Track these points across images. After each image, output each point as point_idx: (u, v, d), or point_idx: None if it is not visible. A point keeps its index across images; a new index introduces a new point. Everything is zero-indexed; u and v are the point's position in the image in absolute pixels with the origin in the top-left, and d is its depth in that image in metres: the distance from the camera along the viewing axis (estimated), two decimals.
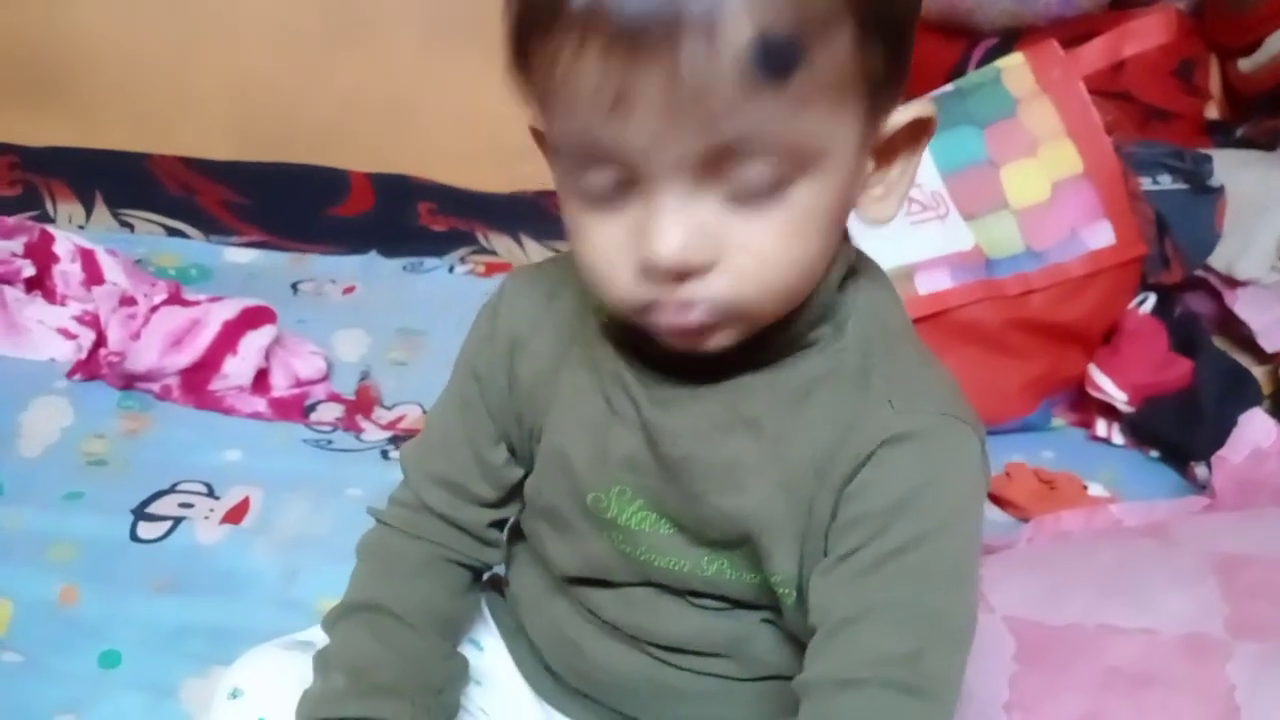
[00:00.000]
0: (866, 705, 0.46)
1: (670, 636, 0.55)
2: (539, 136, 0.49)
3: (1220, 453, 0.98)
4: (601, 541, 0.55)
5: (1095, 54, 1.27)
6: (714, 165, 0.42)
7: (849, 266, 0.51)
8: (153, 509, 0.95)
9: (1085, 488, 1.03)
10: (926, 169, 1.11)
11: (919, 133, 0.47)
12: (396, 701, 0.53)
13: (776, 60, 0.40)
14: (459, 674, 0.58)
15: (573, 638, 0.58)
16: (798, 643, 0.54)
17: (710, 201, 0.43)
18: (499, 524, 0.60)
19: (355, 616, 0.56)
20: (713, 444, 0.50)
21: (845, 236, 0.51)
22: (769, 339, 0.48)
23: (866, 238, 0.53)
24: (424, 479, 0.58)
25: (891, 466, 0.47)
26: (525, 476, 0.58)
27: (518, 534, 0.62)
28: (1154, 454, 1.10)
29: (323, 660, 0.55)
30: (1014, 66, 1.14)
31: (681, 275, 0.43)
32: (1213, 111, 1.46)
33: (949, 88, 1.17)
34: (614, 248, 0.44)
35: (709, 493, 0.51)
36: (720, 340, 0.46)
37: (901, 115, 0.46)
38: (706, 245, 0.43)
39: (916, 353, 0.52)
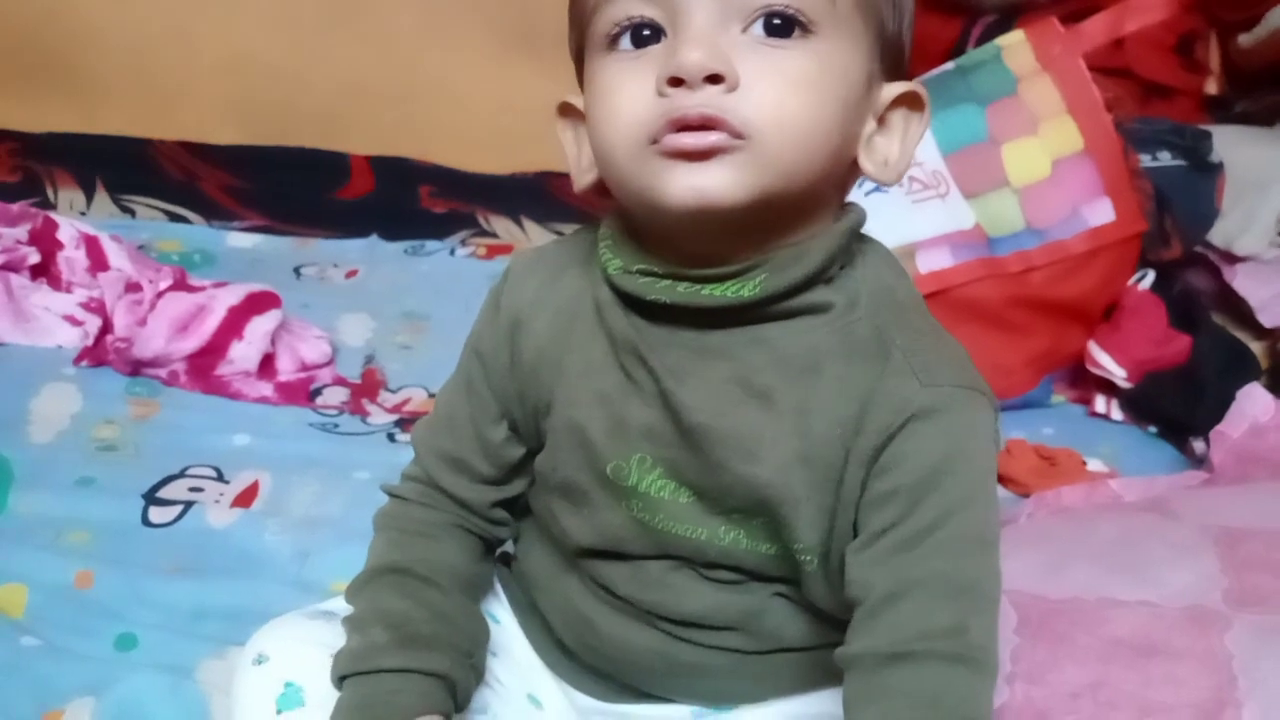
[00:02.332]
0: (918, 676, 0.47)
1: (683, 611, 0.56)
2: (567, 110, 0.54)
3: (1219, 427, 0.98)
4: (619, 512, 0.55)
5: (1095, 30, 1.27)
6: None
7: (855, 228, 0.52)
8: (163, 493, 0.96)
9: (1085, 463, 1.04)
10: (927, 147, 1.11)
11: (913, 108, 0.52)
12: (436, 654, 0.54)
13: None
14: (484, 636, 0.59)
15: (585, 614, 0.59)
16: (810, 616, 0.56)
17: (736, 36, 0.47)
18: (504, 503, 0.61)
19: (381, 579, 0.57)
20: (728, 415, 0.51)
21: (853, 202, 0.53)
22: (779, 256, 0.50)
23: (869, 217, 0.54)
24: (432, 456, 0.60)
25: (919, 440, 0.49)
26: (527, 455, 0.59)
27: (526, 511, 0.62)
28: (1153, 430, 1.11)
29: (355, 621, 0.55)
30: (1014, 44, 1.14)
31: (704, 79, 0.46)
32: (1213, 87, 1.45)
33: (949, 66, 1.17)
34: (639, 84, 0.48)
35: (728, 461, 0.52)
36: (730, 180, 0.47)
37: (896, 87, 0.52)
38: (728, 63, 0.46)
39: (928, 325, 0.53)
